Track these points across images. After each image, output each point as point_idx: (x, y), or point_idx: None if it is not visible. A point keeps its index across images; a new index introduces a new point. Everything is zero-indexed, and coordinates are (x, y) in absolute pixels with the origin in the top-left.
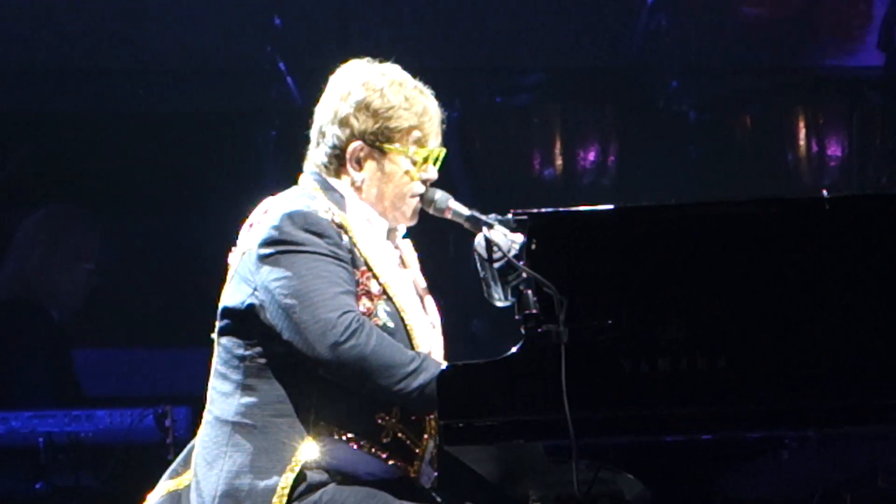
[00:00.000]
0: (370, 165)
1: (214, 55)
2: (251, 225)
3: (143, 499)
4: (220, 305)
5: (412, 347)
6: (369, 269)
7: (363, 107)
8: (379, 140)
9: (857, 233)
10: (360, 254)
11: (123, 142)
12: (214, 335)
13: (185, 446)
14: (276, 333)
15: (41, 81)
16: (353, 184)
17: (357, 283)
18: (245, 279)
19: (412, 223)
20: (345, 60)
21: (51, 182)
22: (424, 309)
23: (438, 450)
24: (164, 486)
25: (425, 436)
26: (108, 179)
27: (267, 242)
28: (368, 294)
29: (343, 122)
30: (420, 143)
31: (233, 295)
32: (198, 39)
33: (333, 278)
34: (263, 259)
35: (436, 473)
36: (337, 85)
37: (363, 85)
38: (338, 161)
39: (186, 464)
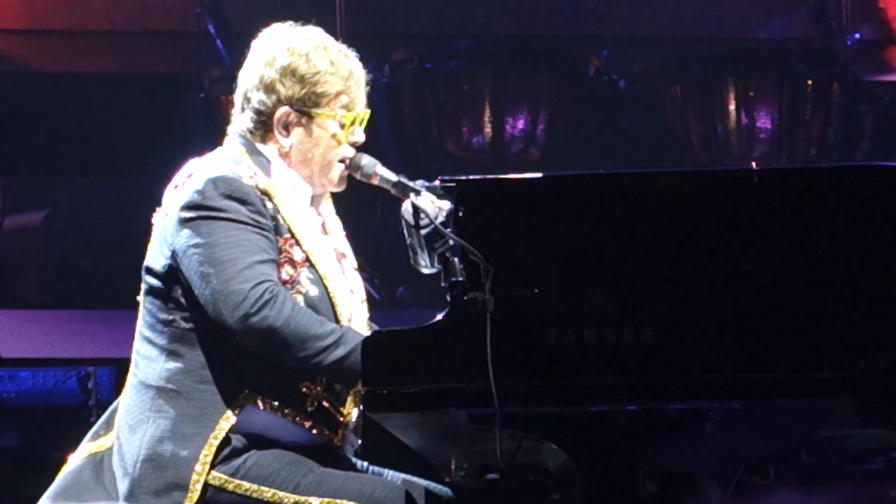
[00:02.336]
0: (297, 131)
1: (143, 16)
2: (175, 186)
3: (65, 460)
4: (144, 265)
5: (335, 314)
6: (293, 236)
7: (289, 72)
8: (306, 105)
9: (786, 205)
10: (284, 220)
11: (49, 102)
12: (140, 297)
13: (107, 408)
14: (196, 299)
15: None
16: (280, 150)
17: (280, 251)
18: (166, 241)
19: (340, 189)
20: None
21: None
22: (345, 275)
23: (362, 417)
24: (86, 448)
25: (350, 404)
26: (34, 140)
27: (189, 206)
28: (291, 262)
29: (269, 88)
30: (347, 106)
31: (155, 257)
32: None
33: (252, 247)
34: (184, 223)
35: (359, 441)
36: (261, 49)
37: (288, 50)
38: (264, 127)
39: (108, 426)
